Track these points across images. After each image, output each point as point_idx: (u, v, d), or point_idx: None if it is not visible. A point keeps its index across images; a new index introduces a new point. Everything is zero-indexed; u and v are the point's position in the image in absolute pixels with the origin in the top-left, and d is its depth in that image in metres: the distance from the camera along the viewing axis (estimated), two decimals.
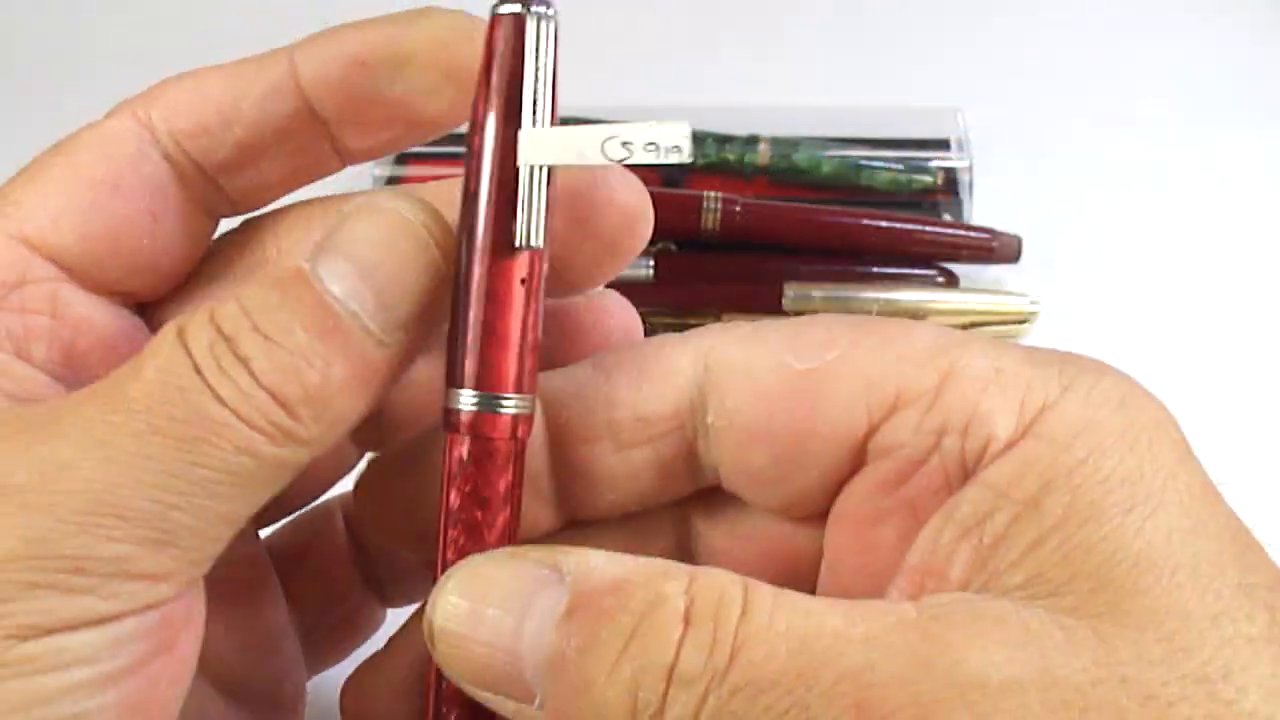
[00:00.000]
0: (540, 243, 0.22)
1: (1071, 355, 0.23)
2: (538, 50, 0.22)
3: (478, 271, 0.22)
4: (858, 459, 0.24)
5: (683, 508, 0.27)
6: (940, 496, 0.22)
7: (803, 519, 0.25)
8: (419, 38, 0.24)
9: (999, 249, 0.52)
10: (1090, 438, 0.21)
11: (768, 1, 0.73)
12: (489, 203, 0.22)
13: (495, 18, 0.22)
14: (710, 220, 0.52)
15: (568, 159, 0.22)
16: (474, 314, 0.22)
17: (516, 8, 0.22)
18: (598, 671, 0.20)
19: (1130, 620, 0.19)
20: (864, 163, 0.55)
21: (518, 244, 0.22)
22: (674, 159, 0.21)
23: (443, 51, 0.24)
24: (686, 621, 0.20)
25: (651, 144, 0.21)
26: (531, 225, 0.22)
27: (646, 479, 0.25)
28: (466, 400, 0.23)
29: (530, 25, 0.22)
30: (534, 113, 0.22)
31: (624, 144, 0.21)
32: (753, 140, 0.57)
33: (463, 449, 0.23)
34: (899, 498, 0.23)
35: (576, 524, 0.26)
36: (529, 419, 0.23)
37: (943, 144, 0.56)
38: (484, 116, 0.22)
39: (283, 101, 0.25)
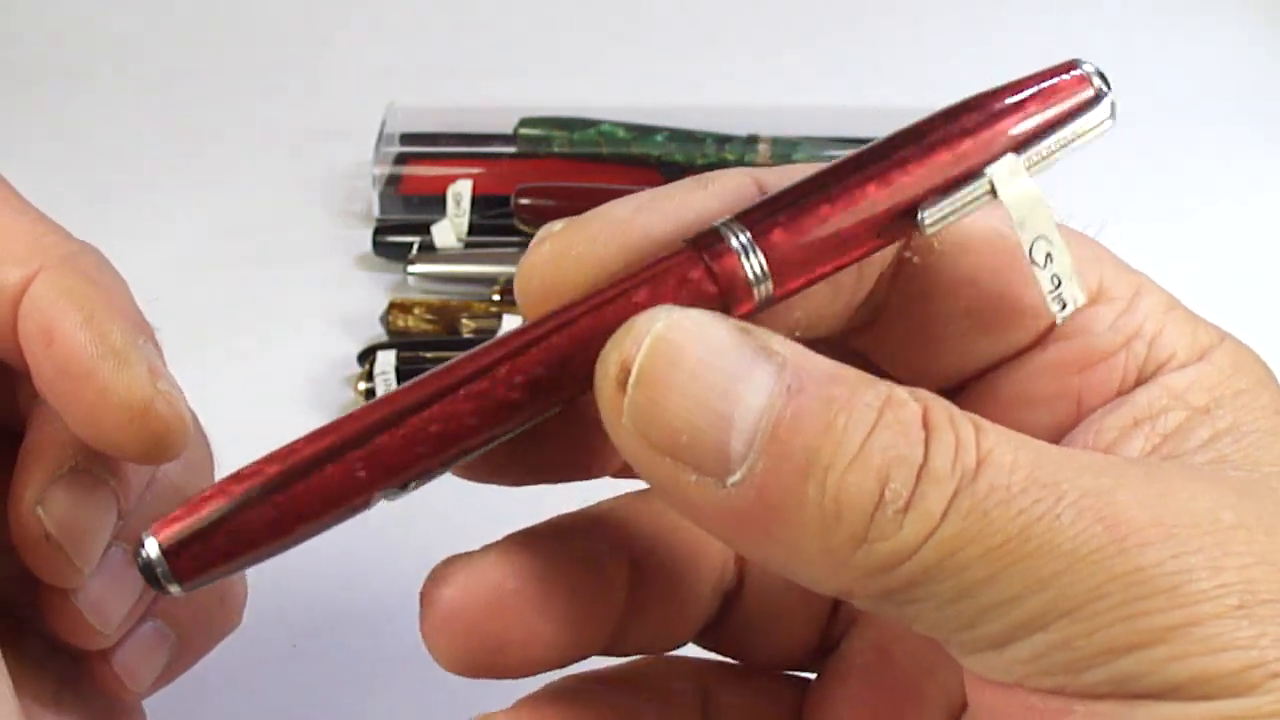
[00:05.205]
0: (935, 227, 0.22)
1: None
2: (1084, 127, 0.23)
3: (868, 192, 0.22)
4: (1041, 337, 0.24)
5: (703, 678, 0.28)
6: (1111, 391, 0.24)
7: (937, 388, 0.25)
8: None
9: None
10: (1249, 374, 0.23)
11: (768, 2, 0.73)
12: (925, 168, 0.22)
13: (1082, 75, 0.23)
14: None
15: (1014, 213, 0.22)
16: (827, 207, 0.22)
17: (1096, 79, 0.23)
18: (838, 456, 0.19)
19: None
20: None
21: (923, 219, 0.22)
22: (1055, 308, 0.23)
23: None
24: (926, 425, 0.20)
25: (1056, 279, 0.22)
26: (937, 216, 0.22)
27: (836, 307, 0.25)
28: (737, 238, 0.22)
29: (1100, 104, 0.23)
30: (1036, 156, 0.22)
31: (1048, 254, 0.22)
32: (753, 140, 0.57)
33: (695, 270, 0.22)
34: (1070, 384, 0.24)
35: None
36: (753, 305, 0.22)
37: None
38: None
39: None
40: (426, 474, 0.22)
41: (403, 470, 0.22)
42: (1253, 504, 0.20)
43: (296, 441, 0.22)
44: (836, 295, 0.24)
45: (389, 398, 0.22)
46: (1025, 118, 0.22)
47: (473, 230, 0.55)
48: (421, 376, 0.22)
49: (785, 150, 0.56)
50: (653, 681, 0.27)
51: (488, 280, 0.53)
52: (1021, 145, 0.22)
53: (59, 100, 0.66)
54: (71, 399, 0.25)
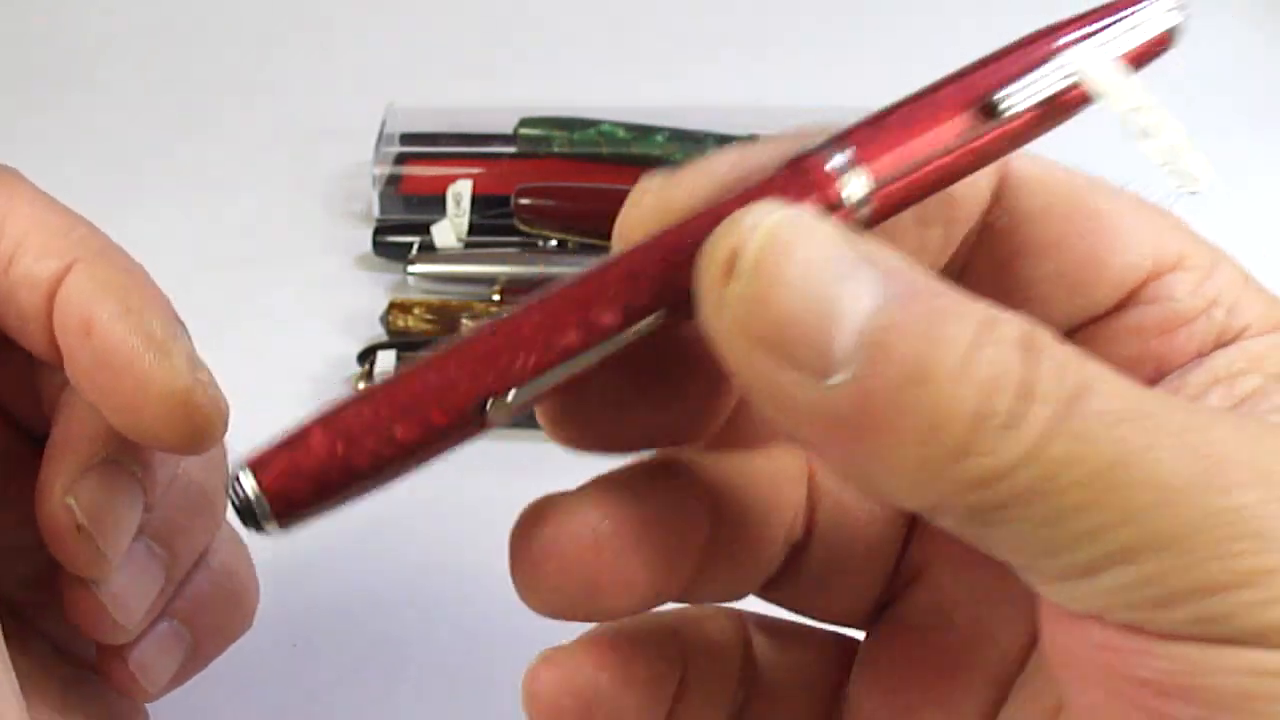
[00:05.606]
0: (1015, 110, 0.23)
1: None
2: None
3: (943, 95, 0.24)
4: (1123, 301, 0.25)
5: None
6: (1190, 356, 0.24)
7: None
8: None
9: None
10: None
11: (768, 2, 0.73)
12: (1015, 64, 0.24)
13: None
14: None
15: (1096, 86, 0.23)
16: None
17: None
18: (945, 365, 0.19)
19: None
20: None
21: (998, 102, 0.23)
22: (1187, 188, 0.22)
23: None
24: (1031, 345, 0.19)
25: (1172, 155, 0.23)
26: (1018, 97, 0.23)
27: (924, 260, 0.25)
28: (835, 157, 0.22)
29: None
30: (1112, 52, 0.24)
31: (1150, 126, 0.23)
32: (753, 140, 0.57)
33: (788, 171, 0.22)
34: (1150, 347, 0.24)
35: None
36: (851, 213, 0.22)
37: None
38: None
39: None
40: (522, 382, 0.21)
41: (503, 373, 0.21)
42: None
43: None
44: (921, 255, 0.24)
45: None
46: (1097, 19, 0.24)
47: (473, 230, 0.55)
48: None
49: None
50: (694, 632, 0.27)
51: (488, 280, 0.53)
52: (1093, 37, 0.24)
53: (59, 100, 0.66)
54: (110, 390, 0.26)
